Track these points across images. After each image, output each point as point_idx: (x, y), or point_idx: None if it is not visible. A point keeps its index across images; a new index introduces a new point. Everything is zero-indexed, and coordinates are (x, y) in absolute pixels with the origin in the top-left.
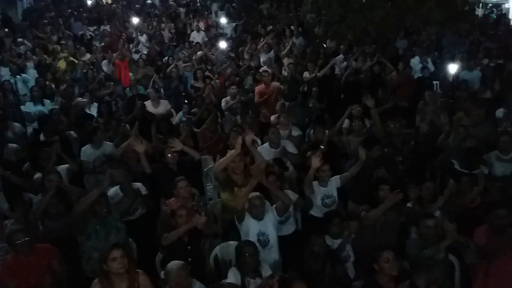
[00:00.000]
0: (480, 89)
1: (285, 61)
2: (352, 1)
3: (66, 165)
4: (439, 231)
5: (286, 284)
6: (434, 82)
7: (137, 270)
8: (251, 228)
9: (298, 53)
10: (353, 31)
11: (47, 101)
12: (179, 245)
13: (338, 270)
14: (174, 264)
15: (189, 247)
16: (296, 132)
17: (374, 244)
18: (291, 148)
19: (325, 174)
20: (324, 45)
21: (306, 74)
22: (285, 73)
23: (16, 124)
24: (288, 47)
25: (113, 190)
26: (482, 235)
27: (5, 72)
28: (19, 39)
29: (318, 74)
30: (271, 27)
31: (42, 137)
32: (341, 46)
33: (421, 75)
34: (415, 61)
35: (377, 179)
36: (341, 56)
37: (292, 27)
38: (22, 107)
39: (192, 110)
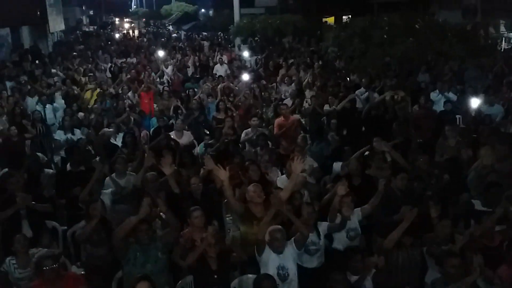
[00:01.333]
0: (503, 123)
1: (307, 93)
2: (373, 36)
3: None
4: (463, 270)
5: None
6: (457, 116)
7: None
8: (270, 261)
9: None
10: (374, 65)
11: (77, 131)
12: (207, 273)
13: None
14: None
15: (215, 276)
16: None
17: (396, 280)
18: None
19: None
20: (348, 78)
21: (326, 107)
22: (306, 105)
23: (39, 154)
24: (309, 79)
25: None
26: (505, 274)
27: (31, 102)
28: (53, 70)
29: (337, 107)
30: (292, 60)
31: (68, 167)
32: (363, 80)
33: (443, 109)
34: (436, 95)
35: None
36: (362, 90)
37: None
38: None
39: (210, 141)
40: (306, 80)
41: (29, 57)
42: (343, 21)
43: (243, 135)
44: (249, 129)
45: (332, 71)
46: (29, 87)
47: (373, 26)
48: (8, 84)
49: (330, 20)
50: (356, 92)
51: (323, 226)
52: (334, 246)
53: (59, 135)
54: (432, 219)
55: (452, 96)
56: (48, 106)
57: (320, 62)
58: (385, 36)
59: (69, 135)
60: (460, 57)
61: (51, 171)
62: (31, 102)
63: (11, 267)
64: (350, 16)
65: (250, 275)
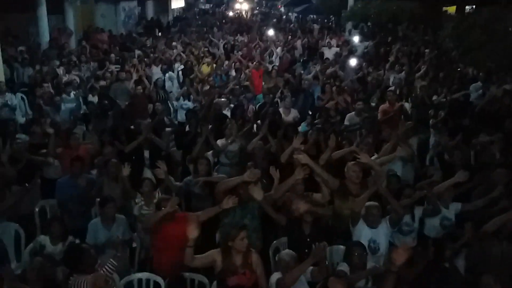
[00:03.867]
0: None
1: (418, 82)
2: (496, 29)
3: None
4: None
5: None
6: None
7: (250, 249)
8: (363, 233)
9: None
10: (493, 58)
11: (192, 97)
12: (301, 236)
13: None
14: (285, 253)
15: (308, 240)
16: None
17: (489, 270)
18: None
19: (445, 198)
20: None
21: (435, 97)
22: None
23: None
24: (423, 69)
25: None
26: None
27: (156, 71)
28: (174, 43)
29: (447, 98)
30: (405, 48)
31: (187, 128)
32: (480, 74)
33: None
34: None
35: None
36: (478, 84)
37: (427, 50)
38: (174, 102)
39: (315, 121)
40: (417, 69)
41: (156, 30)
42: (466, 11)
43: (347, 118)
44: (353, 113)
45: (447, 62)
46: (153, 56)
47: (497, 18)
48: (137, 52)
49: (451, 9)
50: (472, 86)
51: (418, 210)
52: (425, 232)
53: (180, 102)
54: None
55: None
56: (167, 75)
57: (435, 52)
58: (510, 29)
59: (187, 101)
60: None
61: (170, 129)
62: (156, 70)
63: (139, 204)
64: (473, 6)
65: (341, 246)
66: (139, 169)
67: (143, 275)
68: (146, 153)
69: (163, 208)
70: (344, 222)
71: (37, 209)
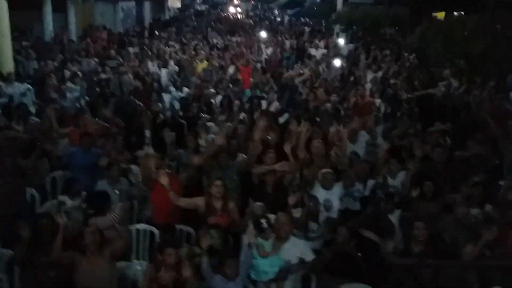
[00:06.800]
0: None
1: (392, 81)
2: (455, 34)
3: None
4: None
5: None
6: None
7: (228, 198)
8: (319, 195)
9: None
10: (454, 61)
11: (185, 89)
12: (265, 195)
13: None
14: (255, 204)
15: (271, 197)
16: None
17: None
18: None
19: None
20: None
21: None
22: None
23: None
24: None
25: None
26: None
27: (151, 65)
28: (171, 42)
29: (415, 94)
30: (388, 51)
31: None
32: (445, 73)
33: None
34: None
35: None
36: (445, 82)
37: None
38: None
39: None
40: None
41: (154, 31)
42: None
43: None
44: (328, 104)
45: (424, 64)
46: (149, 53)
47: (458, 25)
48: (132, 50)
49: (441, 15)
50: (439, 83)
51: (370, 182)
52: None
53: (172, 93)
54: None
55: None
56: (163, 70)
57: (414, 55)
58: (465, 33)
59: (179, 93)
60: None
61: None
62: (151, 66)
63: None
64: (462, 12)
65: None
66: (140, 146)
67: (141, 226)
68: (147, 133)
69: None
70: (309, 186)
71: (48, 179)
